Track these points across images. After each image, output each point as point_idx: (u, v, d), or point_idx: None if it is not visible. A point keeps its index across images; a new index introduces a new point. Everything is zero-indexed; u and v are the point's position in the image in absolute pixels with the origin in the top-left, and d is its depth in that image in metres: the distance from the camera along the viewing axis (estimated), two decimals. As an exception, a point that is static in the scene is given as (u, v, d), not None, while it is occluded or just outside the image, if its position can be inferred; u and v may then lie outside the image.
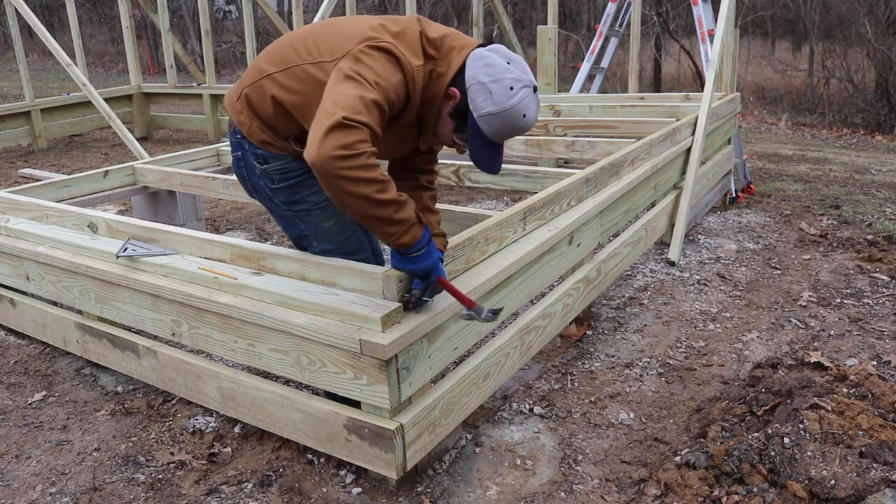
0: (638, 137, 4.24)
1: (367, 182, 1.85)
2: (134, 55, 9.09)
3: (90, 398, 2.88)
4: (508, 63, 2.04)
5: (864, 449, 2.12)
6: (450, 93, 2.08)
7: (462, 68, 2.06)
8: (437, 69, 2.08)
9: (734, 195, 5.52)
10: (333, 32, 2.14)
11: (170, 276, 2.54)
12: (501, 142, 2.12)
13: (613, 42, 6.88)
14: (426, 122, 2.17)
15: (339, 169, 1.82)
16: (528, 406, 2.74)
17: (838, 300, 3.69)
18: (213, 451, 2.50)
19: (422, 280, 2.09)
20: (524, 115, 2.03)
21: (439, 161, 3.11)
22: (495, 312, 2.15)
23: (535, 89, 2.05)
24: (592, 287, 3.27)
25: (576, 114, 5.47)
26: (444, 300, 2.19)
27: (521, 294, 2.70)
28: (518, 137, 4.58)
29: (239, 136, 2.29)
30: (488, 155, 2.12)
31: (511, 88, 2.00)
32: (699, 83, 12.54)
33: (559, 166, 5.95)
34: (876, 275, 3.99)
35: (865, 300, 3.68)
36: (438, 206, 3.42)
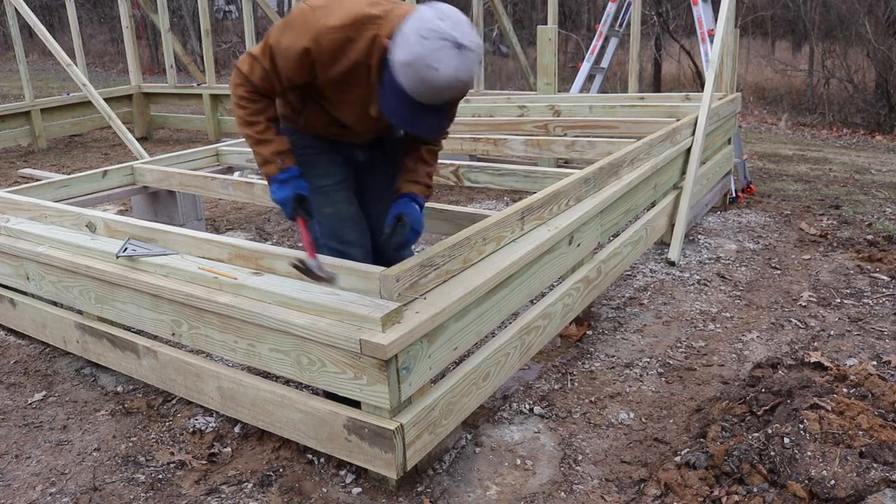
0: (638, 137, 4.24)
1: (236, 111, 2.29)
2: (134, 55, 9.09)
3: (90, 398, 2.88)
4: (441, 20, 1.90)
5: (864, 449, 2.12)
6: (384, 45, 2.04)
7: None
8: (380, 32, 2.10)
9: (734, 195, 5.52)
10: None
11: (170, 276, 2.54)
12: (430, 103, 1.98)
13: (613, 42, 6.88)
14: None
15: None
16: (528, 406, 2.74)
17: (838, 300, 3.69)
18: (213, 451, 2.50)
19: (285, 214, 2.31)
20: (435, 69, 1.87)
21: (439, 161, 3.10)
22: (331, 276, 2.19)
23: (458, 47, 1.88)
24: (592, 287, 3.26)
25: (576, 114, 5.47)
26: (443, 300, 2.19)
27: (521, 294, 2.70)
28: (518, 137, 4.59)
29: None
30: (406, 112, 2.01)
31: (423, 38, 1.87)
32: (699, 83, 12.54)
33: (559, 166, 5.95)
34: (876, 275, 3.99)
35: (865, 300, 3.68)
36: (438, 205, 3.43)
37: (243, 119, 2.31)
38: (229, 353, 2.43)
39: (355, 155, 2.53)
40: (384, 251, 2.50)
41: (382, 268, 2.18)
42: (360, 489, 2.28)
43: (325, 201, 2.35)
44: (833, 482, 2.01)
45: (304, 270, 2.18)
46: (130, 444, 2.56)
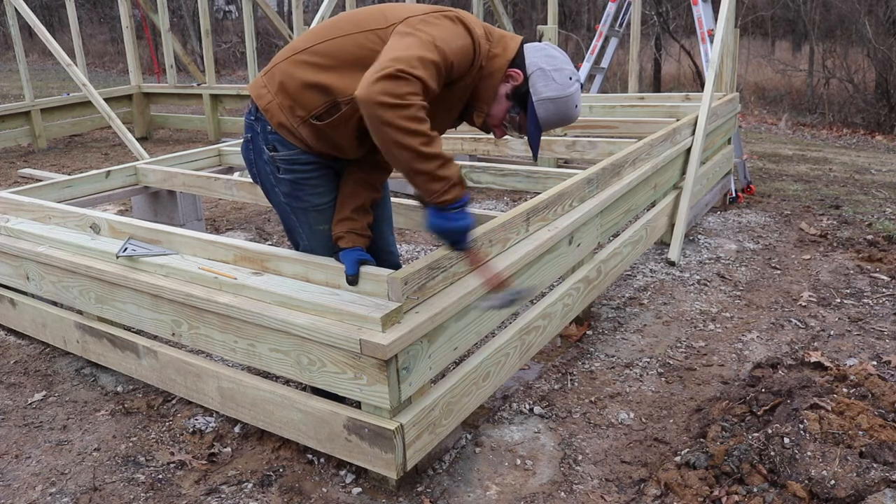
0: (638, 137, 4.24)
1: (414, 133, 1.89)
2: (134, 55, 9.09)
3: (90, 398, 2.88)
4: (567, 63, 2.21)
5: (864, 449, 2.12)
6: (511, 73, 2.17)
7: (517, 55, 2.18)
8: (493, 49, 2.17)
9: (734, 195, 5.52)
10: (379, 12, 2.17)
11: (170, 276, 2.54)
12: (545, 130, 2.25)
13: (613, 42, 6.88)
14: (480, 98, 2.22)
15: (388, 117, 1.86)
16: (528, 406, 2.74)
17: (838, 300, 3.69)
18: (213, 451, 2.50)
19: (454, 246, 2.15)
20: (576, 106, 2.20)
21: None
22: (519, 292, 2.20)
23: (581, 88, 2.24)
24: (592, 287, 3.26)
25: (576, 114, 5.46)
26: (442, 300, 2.19)
27: (521, 294, 2.70)
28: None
29: (252, 119, 2.27)
30: (537, 140, 2.25)
31: (570, 79, 2.17)
32: (699, 83, 12.54)
33: (559, 166, 5.95)
34: (876, 275, 3.99)
35: (865, 300, 3.68)
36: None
37: (426, 137, 1.92)
38: (229, 353, 2.43)
39: (341, 166, 2.50)
40: (376, 252, 2.50)
41: (390, 270, 2.18)
42: (360, 489, 2.28)
43: (321, 219, 2.33)
44: (833, 482, 2.01)
45: (505, 305, 2.20)
46: (130, 444, 2.56)
